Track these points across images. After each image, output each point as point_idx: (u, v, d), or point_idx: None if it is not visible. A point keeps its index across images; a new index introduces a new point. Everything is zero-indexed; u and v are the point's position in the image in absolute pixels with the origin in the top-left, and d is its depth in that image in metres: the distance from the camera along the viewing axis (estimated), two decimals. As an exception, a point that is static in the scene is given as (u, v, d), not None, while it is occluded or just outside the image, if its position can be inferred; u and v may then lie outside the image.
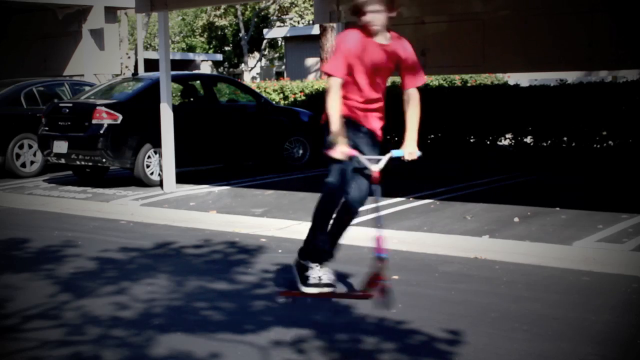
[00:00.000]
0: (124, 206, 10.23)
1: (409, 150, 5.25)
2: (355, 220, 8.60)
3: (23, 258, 7.39)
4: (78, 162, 11.91)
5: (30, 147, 13.38)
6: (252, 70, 42.00)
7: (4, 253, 7.67)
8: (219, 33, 43.04)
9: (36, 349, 4.77)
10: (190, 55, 39.01)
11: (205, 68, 41.54)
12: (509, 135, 13.69)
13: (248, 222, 8.82)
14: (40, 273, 6.69)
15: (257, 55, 43.14)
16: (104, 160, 11.45)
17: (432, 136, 13.81)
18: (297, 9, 37.04)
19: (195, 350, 4.70)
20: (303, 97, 15.88)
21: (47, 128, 12.14)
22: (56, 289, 6.18)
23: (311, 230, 5.49)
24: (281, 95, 16.46)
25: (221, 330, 5.07)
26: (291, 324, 5.15)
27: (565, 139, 12.85)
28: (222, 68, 44.63)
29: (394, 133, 14.32)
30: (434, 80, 15.53)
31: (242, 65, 41.56)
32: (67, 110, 11.91)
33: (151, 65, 25.59)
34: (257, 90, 14.83)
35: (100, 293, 6.05)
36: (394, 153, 5.22)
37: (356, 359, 4.54)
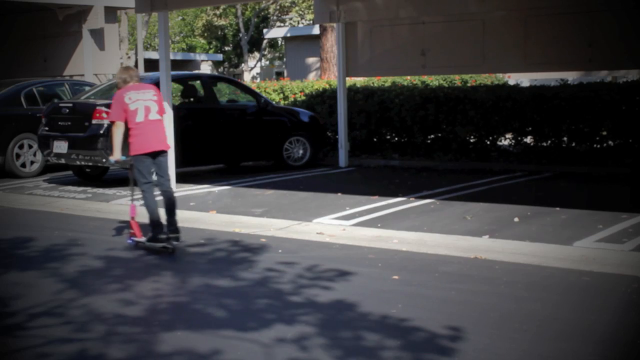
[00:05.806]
0: (124, 206, 10.22)
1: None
2: (354, 220, 8.67)
3: (28, 257, 7.42)
4: (78, 162, 11.92)
5: (30, 147, 13.37)
6: (252, 70, 42.03)
7: (9, 252, 7.70)
8: (219, 33, 43.06)
9: (42, 346, 4.80)
10: (191, 55, 39.02)
11: (206, 68, 41.58)
12: (508, 135, 13.71)
13: (248, 222, 8.84)
14: (45, 271, 6.74)
15: (257, 55, 43.16)
16: (104, 160, 11.45)
17: (432, 136, 13.83)
18: (297, 8, 37.04)
19: (199, 347, 4.74)
20: (303, 97, 15.88)
21: (47, 128, 12.14)
22: (62, 286, 6.22)
23: None
24: (281, 95, 16.46)
25: (225, 328, 5.11)
26: (293, 321, 5.19)
27: (565, 139, 12.87)
28: (222, 68, 44.66)
29: (393, 135, 14.39)
30: (434, 80, 15.53)
31: (242, 65, 41.59)
32: (67, 110, 11.91)
33: (151, 65, 25.62)
34: (257, 90, 14.84)
35: (106, 291, 6.09)
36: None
37: (359, 356, 4.58)
